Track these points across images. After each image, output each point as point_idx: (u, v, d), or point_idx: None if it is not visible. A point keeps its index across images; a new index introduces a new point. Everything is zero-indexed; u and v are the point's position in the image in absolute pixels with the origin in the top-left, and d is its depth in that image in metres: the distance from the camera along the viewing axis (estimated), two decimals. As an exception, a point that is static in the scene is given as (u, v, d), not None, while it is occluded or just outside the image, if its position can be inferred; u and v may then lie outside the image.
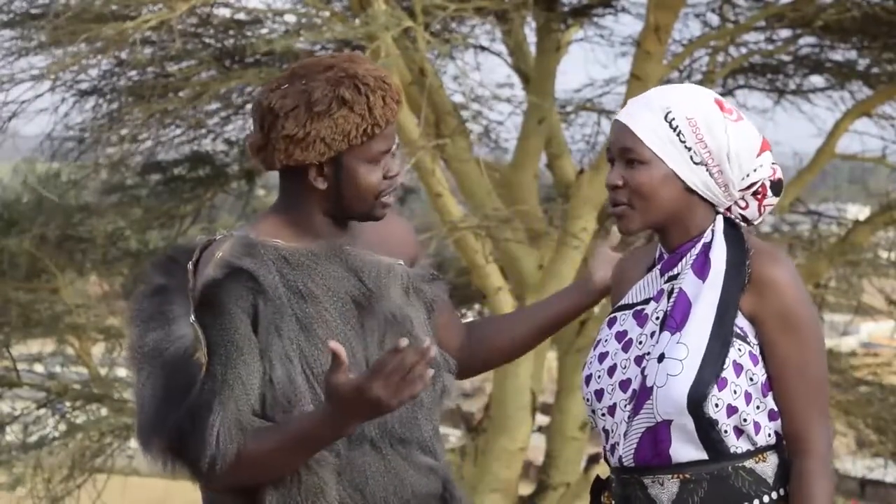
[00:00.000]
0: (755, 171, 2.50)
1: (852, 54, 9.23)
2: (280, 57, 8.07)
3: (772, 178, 2.53)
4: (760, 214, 2.54)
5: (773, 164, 2.53)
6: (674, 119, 2.45)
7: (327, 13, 7.62)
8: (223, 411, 2.33)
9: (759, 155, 2.50)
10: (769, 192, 2.53)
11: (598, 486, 2.59)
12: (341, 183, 2.46)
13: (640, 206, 2.46)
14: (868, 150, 9.63)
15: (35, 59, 7.89)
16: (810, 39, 9.04)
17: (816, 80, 9.55)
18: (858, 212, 11.88)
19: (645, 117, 2.47)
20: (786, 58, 9.28)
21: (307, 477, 2.41)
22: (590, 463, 9.08)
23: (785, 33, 8.99)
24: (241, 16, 8.30)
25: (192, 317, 2.37)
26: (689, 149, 2.45)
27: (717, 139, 2.45)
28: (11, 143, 8.72)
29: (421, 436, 2.51)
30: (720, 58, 8.93)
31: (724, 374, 2.38)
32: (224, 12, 8.29)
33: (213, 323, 2.37)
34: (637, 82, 7.95)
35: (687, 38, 9.13)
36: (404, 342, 2.20)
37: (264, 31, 8.28)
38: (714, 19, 9.14)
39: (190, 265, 2.43)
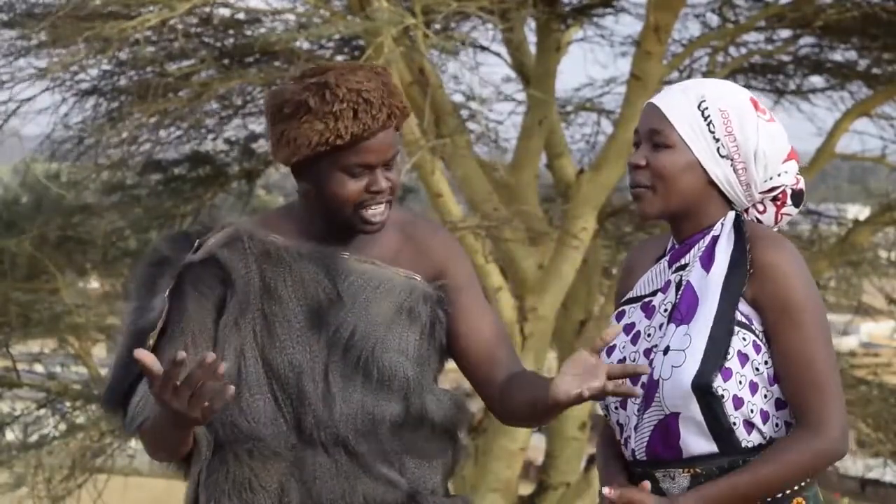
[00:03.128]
0: (779, 175, 2.47)
1: (852, 54, 9.24)
2: (280, 56, 8.07)
3: (794, 188, 2.50)
4: (776, 222, 2.52)
5: (797, 174, 2.51)
6: (707, 108, 2.44)
7: (327, 12, 7.61)
8: (146, 386, 2.36)
9: (785, 161, 2.48)
10: (789, 201, 2.51)
11: None
12: (319, 188, 2.45)
13: (661, 189, 2.44)
14: (868, 150, 9.66)
15: (35, 58, 7.90)
16: (810, 39, 9.05)
17: (816, 80, 9.57)
18: (858, 212, 11.89)
19: (678, 102, 2.45)
20: (786, 58, 9.29)
21: (236, 468, 2.44)
22: (590, 463, 9.07)
23: (785, 33, 9.01)
24: (241, 16, 8.30)
25: (166, 293, 2.43)
26: (718, 140, 2.43)
27: (746, 135, 2.44)
28: (11, 143, 8.71)
29: (382, 448, 2.47)
30: (720, 58, 8.94)
31: (728, 365, 2.35)
32: (224, 12, 8.29)
33: (175, 303, 2.43)
34: (637, 82, 7.96)
35: (687, 38, 9.13)
36: (182, 355, 2.17)
37: (263, 30, 8.28)
38: (714, 19, 9.15)
39: (197, 242, 2.47)
